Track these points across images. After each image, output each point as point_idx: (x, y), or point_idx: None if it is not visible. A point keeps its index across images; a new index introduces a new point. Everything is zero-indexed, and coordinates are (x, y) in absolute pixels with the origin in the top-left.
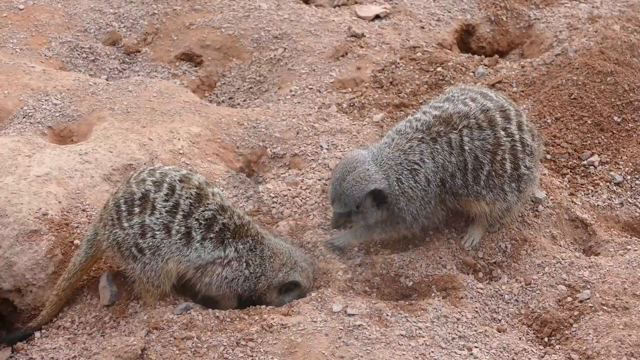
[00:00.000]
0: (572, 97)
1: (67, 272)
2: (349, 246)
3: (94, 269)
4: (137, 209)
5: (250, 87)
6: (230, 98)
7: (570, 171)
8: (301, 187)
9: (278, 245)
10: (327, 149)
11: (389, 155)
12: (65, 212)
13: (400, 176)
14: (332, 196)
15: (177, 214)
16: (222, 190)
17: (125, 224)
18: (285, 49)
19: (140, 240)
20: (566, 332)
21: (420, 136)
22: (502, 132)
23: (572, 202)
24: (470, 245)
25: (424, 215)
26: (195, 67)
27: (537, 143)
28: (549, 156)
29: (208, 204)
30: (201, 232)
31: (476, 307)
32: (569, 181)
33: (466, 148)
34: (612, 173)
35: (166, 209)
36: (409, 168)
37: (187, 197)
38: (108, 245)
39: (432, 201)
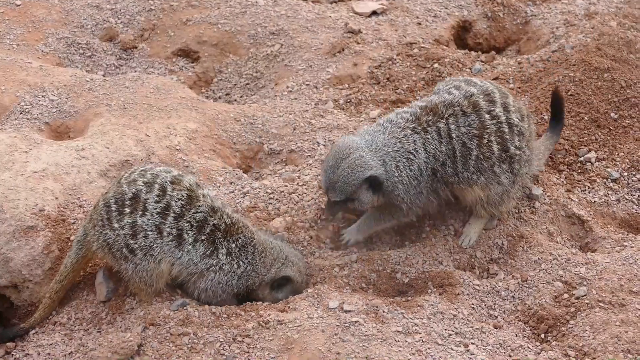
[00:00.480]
0: (569, 93)
1: (59, 274)
2: (356, 244)
3: (90, 265)
4: (127, 209)
5: (247, 83)
6: (227, 94)
7: (567, 167)
8: (298, 183)
9: (268, 241)
10: (323, 145)
11: (385, 142)
12: (61, 208)
13: (399, 163)
14: (326, 185)
15: (168, 216)
16: (219, 187)
17: (116, 225)
18: (282, 45)
19: (131, 240)
20: (562, 328)
21: (412, 126)
22: (487, 116)
23: (569, 198)
24: (468, 244)
25: (417, 205)
26: (192, 63)
27: (527, 122)
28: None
29: (199, 205)
30: (193, 234)
31: (472, 304)
32: (565, 177)
33: (453, 136)
34: (608, 169)
35: (157, 210)
36: (405, 157)
37: (178, 199)
38: (98, 246)
39: (424, 191)
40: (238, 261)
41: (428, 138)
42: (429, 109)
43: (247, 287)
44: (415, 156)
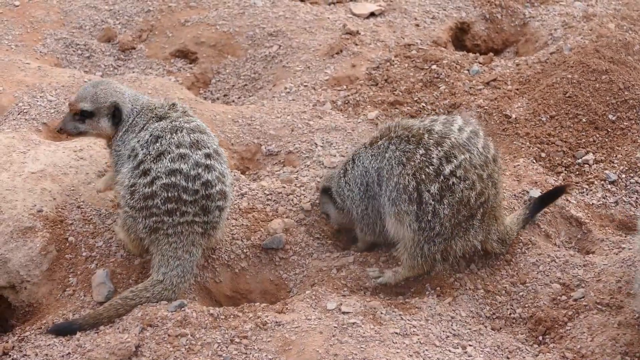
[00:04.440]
0: (567, 95)
1: None
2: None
3: (85, 267)
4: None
5: (245, 84)
6: (224, 95)
7: (565, 169)
8: (296, 184)
9: None
10: (321, 146)
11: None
12: (59, 209)
13: (340, 176)
14: None
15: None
16: None
17: None
18: (280, 46)
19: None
20: (560, 330)
21: (365, 141)
22: (422, 151)
23: (567, 200)
24: (375, 280)
25: (365, 218)
26: (190, 64)
27: (470, 187)
28: (543, 154)
29: None
30: None
31: (470, 306)
32: (563, 179)
33: (386, 156)
34: (606, 171)
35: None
36: (344, 169)
37: None
38: None
39: (364, 205)
40: None
41: (369, 152)
42: (389, 128)
43: None
44: (348, 169)
